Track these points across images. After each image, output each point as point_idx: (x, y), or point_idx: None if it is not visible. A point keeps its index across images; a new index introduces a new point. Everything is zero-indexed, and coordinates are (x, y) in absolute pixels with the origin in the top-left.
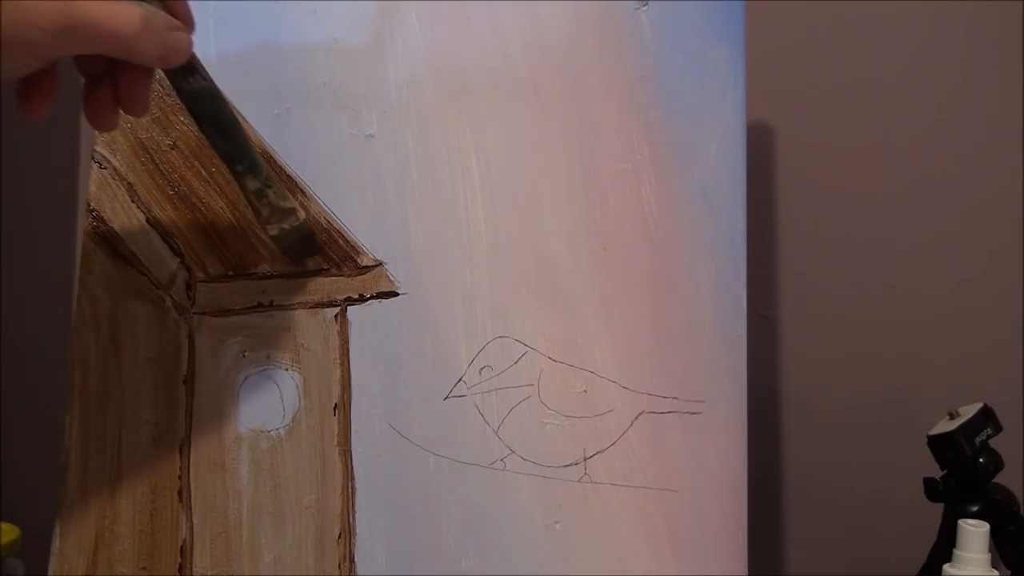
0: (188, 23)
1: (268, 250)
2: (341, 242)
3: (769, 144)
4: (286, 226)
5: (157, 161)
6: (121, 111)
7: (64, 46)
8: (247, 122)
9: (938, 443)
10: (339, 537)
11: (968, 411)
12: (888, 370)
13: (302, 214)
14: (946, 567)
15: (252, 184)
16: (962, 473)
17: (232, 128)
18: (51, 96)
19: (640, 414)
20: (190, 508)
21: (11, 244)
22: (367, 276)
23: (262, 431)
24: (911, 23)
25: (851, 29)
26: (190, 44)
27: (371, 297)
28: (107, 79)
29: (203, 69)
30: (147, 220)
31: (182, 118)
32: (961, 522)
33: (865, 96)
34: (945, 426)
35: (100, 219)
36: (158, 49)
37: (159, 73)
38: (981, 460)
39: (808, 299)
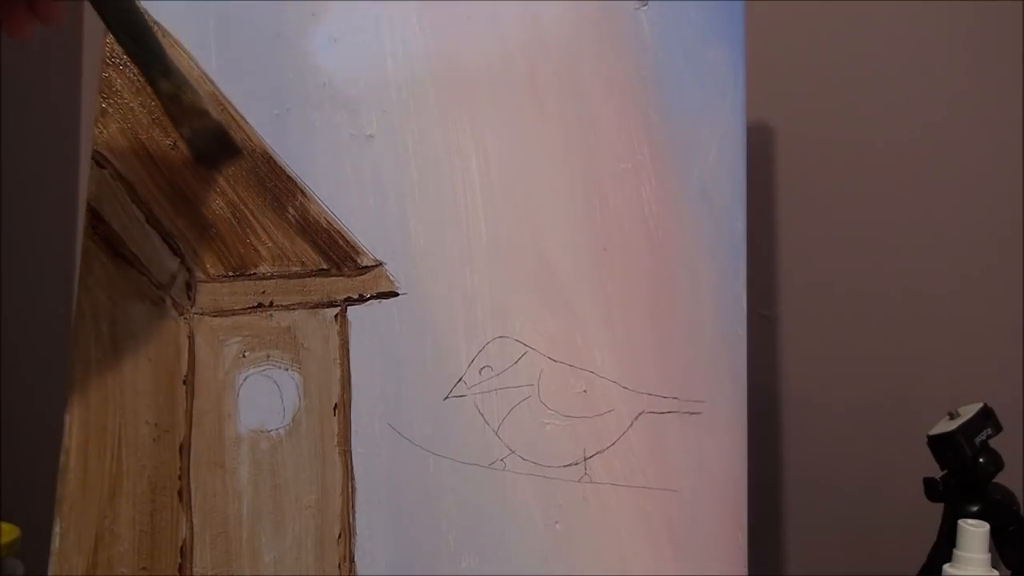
0: None
1: (268, 250)
2: (341, 242)
3: (769, 144)
4: (198, 126)
5: (157, 161)
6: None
7: None
8: (247, 122)
9: (938, 443)
10: (339, 537)
11: (968, 411)
12: (888, 370)
13: (216, 115)
14: (946, 567)
15: (166, 87)
16: (962, 473)
17: (144, 33)
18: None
19: (640, 414)
20: (190, 508)
21: (11, 244)
22: (367, 276)
23: (262, 431)
24: (911, 23)
25: (851, 29)
26: None
27: (371, 297)
28: None
29: None
30: (147, 220)
31: None
32: (961, 522)
33: (865, 96)
34: (945, 426)
35: (100, 219)
36: None
37: None
38: (981, 460)
39: (808, 299)
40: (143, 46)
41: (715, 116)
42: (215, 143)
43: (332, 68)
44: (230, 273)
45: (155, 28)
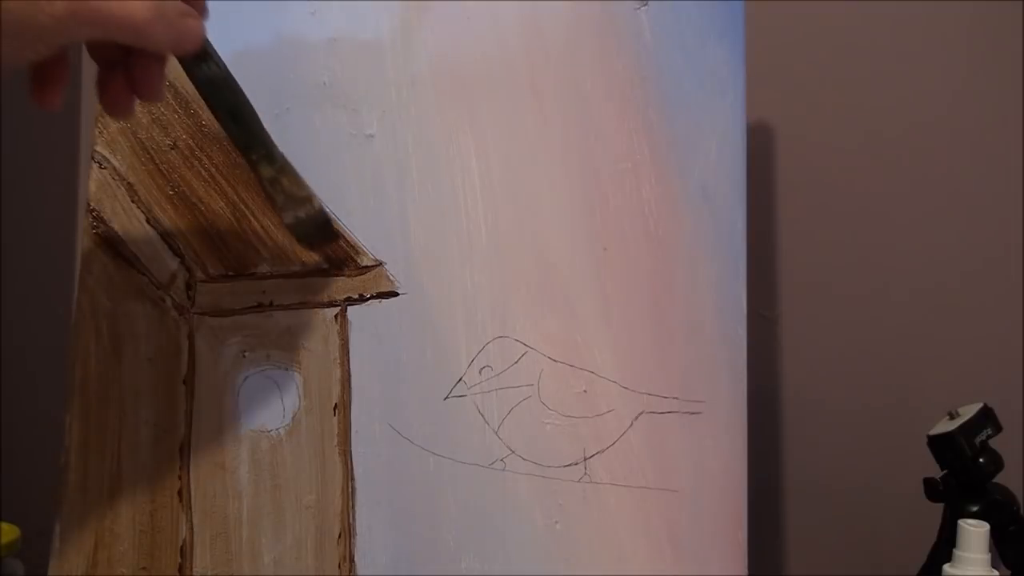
0: (201, 9)
1: (268, 250)
2: (341, 242)
3: (769, 144)
4: (301, 214)
5: (157, 161)
6: (137, 99)
7: (73, 32)
8: None
9: (938, 443)
10: (339, 537)
11: (968, 411)
12: (888, 370)
13: (318, 201)
14: (946, 567)
15: (266, 172)
16: (962, 473)
17: (246, 116)
18: (63, 84)
19: (640, 414)
20: (190, 508)
21: (11, 244)
22: (367, 276)
23: (262, 431)
24: (912, 23)
25: (851, 29)
26: (203, 31)
27: (371, 297)
28: (120, 66)
29: (217, 56)
30: (147, 220)
31: (184, 119)
32: (961, 522)
33: (865, 96)
34: (945, 426)
35: (100, 219)
36: (170, 36)
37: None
38: (981, 460)
39: (808, 299)
40: (245, 129)
41: (715, 116)
42: (317, 229)
43: (332, 68)
44: (230, 273)
45: (256, 112)
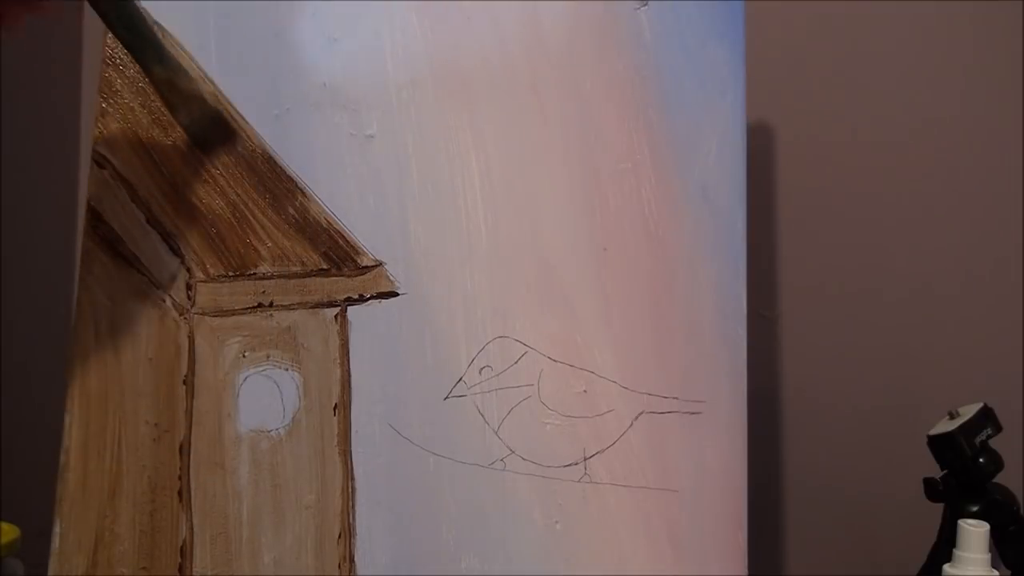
0: None
1: (268, 250)
2: (341, 242)
3: (769, 144)
4: (196, 113)
5: (157, 161)
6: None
7: None
8: (247, 122)
9: (938, 443)
10: (339, 537)
11: (968, 411)
12: (888, 370)
13: (212, 100)
14: (946, 567)
15: (161, 73)
16: (962, 473)
17: (137, 22)
18: None
19: (640, 414)
20: (190, 508)
21: (11, 244)
22: (367, 276)
23: (262, 431)
24: (912, 23)
25: (851, 29)
26: None
27: (371, 297)
28: None
29: None
30: (147, 220)
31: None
32: (961, 522)
33: (865, 96)
34: (945, 426)
35: (100, 219)
36: None
37: None
38: (981, 460)
39: (808, 299)
40: (136, 33)
41: (715, 116)
42: (212, 128)
43: (332, 68)
44: (230, 273)
45: (148, 15)
